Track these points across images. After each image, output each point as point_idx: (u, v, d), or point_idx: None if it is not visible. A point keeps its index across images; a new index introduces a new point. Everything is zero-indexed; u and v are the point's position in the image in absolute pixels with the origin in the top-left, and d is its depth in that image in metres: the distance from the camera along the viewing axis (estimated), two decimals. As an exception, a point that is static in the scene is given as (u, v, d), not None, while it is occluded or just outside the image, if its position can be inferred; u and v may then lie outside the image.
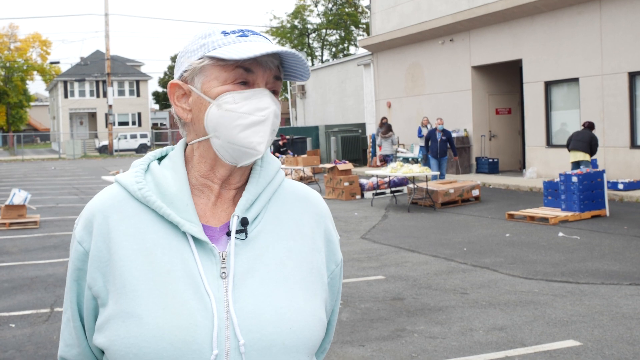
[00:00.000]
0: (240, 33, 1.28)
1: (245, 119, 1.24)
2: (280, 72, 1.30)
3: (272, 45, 1.25)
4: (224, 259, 1.24)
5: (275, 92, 1.30)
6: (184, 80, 1.30)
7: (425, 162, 20.10)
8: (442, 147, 15.64)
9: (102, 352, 1.31)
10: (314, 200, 1.41)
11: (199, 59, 1.27)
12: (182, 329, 1.18)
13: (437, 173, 14.50)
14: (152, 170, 1.33)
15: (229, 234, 1.26)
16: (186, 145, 1.35)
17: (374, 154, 24.02)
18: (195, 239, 1.25)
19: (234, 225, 1.26)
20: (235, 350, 1.19)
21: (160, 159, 1.39)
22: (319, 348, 1.45)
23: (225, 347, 1.18)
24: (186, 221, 1.25)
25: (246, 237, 1.27)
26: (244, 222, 1.27)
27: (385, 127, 20.46)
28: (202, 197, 1.31)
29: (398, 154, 21.10)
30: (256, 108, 1.25)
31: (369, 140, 25.46)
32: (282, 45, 50.03)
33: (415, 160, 20.88)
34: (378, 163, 22.29)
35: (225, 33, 1.28)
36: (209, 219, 1.30)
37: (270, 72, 1.27)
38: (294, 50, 1.24)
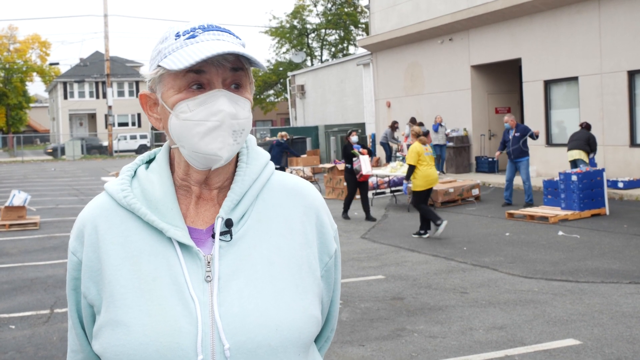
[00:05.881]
0: (190, 34, 1.24)
1: (202, 126, 1.22)
2: (242, 62, 1.26)
3: (215, 47, 1.20)
4: (208, 263, 1.24)
5: (239, 85, 1.27)
6: (151, 89, 1.31)
7: (439, 163, 20.05)
8: (515, 147, 13.60)
9: None
10: (304, 192, 1.38)
11: (155, 68, 1.28)
12: (166, 335, 1.18)
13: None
14: (138, 176, 1.34)
15: (214, 236, 1.26)
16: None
17: (373, 153, 23.98)
18: (180, 244, 1.25)
19: (218, 227, 1.25)
20: (220, 354, 1.19)
21: (149, 162, 1.40)
22: (321, 337, 1.46)
23: (210, 352, 1.18)
24: (171, 226, 1.25)
25: (231, 238, 1.26)
26: (229, 223, 1.26)
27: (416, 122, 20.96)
28: (186, 198, 1.32)
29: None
30: (210, 113, 1.22)
31: (368, 140, 25.44)
32: (281, 45, 49.94)
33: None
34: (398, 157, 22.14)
35: (177, 35, 1.25)
36: (194, 219, 1.30)
37: (225, 68, 1.24)
38: (232, 49, 1.19)
